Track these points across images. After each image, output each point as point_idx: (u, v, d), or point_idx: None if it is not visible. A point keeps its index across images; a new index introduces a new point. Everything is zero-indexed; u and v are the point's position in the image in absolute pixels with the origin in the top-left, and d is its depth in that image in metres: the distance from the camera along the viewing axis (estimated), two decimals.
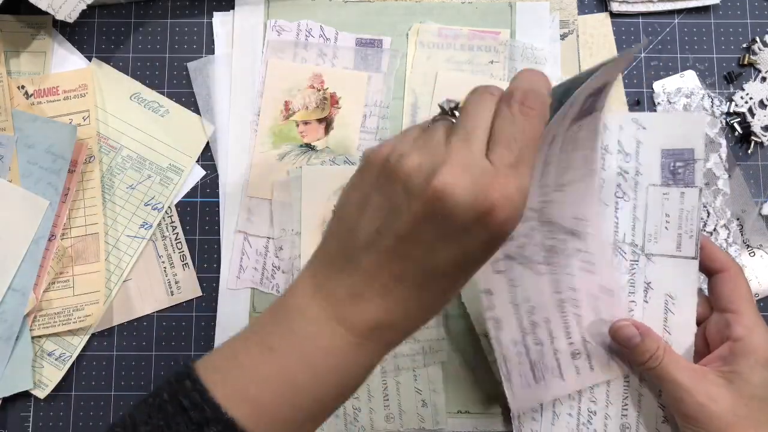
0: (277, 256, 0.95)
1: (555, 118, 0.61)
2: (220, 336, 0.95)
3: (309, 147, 0.96)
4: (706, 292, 0.85)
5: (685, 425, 0.79)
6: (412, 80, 0.97)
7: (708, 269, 0.84)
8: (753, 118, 0.98)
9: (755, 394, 0.76)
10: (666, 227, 0.85)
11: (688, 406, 0.78)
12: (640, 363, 0.82)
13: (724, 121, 0.98)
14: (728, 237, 0.96)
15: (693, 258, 0.84)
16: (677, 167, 0.85)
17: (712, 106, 0.98)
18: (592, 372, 0.88)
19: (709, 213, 0.96)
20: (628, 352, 0.83)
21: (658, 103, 0.98)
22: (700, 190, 0.85)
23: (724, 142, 0.98)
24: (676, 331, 0.85)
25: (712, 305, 0.83)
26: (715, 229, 0.96)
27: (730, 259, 0.83)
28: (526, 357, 0.88)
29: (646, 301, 0.86)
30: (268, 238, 0.96)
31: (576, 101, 0.65)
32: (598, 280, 0.85)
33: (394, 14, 0.98)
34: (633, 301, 0.87)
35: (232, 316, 0.95)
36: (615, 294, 0.86)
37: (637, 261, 0.86)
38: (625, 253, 0.86)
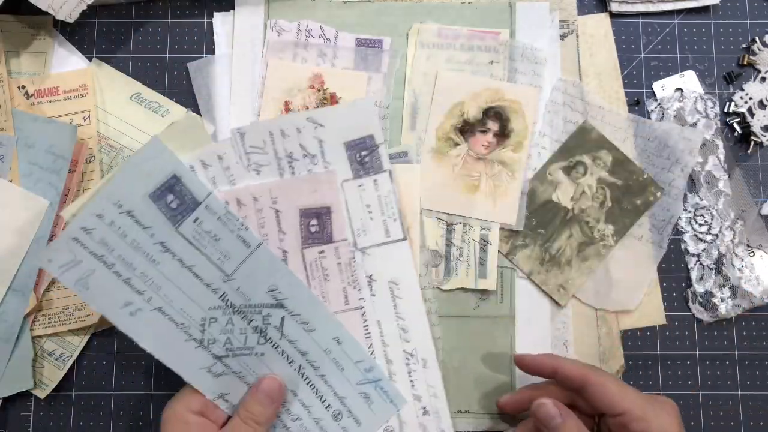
0: None
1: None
2: None
3: None
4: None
5: None
6: (412, 80, 0.97)
7: (572, 388, 0.83)
8: (752, 118, 0.98)
9: None
10: (370, 218, 0.87)
11: None
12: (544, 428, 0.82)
13: (719, 123, 0.98)
14: (733, 238, 0.96)
15: (403, 239, 0.87)
16: (363, 156, 0.86)
17: (705, 109, 0.98)
18: (360, 426, 0.89)
19: (713, 216, 0.96)
20: (546, 430, 0.81)
21: (652, 110, 0.99)
22: (390, 173, 0.86)
23: (721, 143, 0.98)
24: (408, 315, 0.88)
25: (600, 410, 0.82)
26: (720, 231, 0.96)
27: (585, 369, 0.82)
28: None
29: (373, 294, 0.88)
30: None
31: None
32: (319, 335, 0.87)
33: (394, 14, 0.98)
34: (361, 299, 0.88)
35: None
36: (344, 339, 0.87)
37: (354, 258, 0.87)
38: (343, 254, 0.87)
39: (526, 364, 0.86)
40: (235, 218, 0.84)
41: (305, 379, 0.86)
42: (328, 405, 0.87)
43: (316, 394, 0.87)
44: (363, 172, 0.87)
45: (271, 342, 0.85)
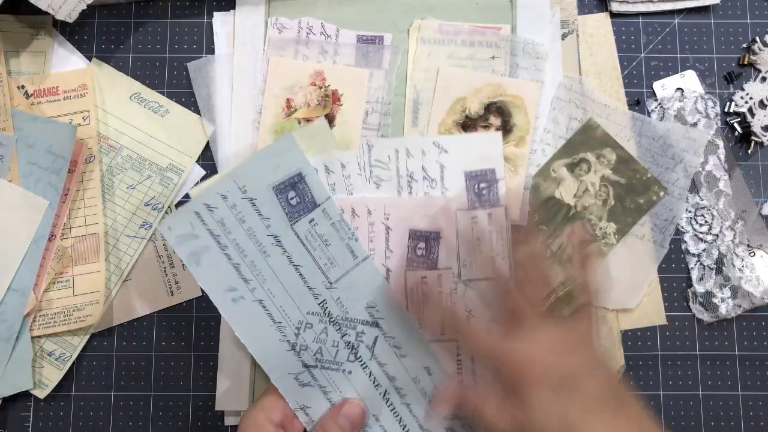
0: None
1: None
2: (224, 335, 0.95)
3: None
4: None
5: None
6: (414, 77, 0.97)
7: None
8: (753, 118, 0.98)
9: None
10: (480, 250, 0.86)
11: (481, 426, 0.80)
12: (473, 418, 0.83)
13: (720, 123, 0.98)
14: (734, 238, 0.96)
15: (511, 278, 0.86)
16: (482, 189, 0.86)
17: (706, 108, 0.98)
18: None
19: (713, 216, 0.96)
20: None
21: (652, 110, 0.99)
22: (506, 209, 0.86)
23: (721, 143, 0.98)
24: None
25: None
26: (721, 231, 0.96)
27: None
28: None
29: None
30: None
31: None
32: (410, 362, 0.86)
33: (395, 11, 0.98)
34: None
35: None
36: (434, 370, 0.87)
37: (456, 289, 0.87)
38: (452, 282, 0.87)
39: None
40: (348, 227, 0.84)
41: (389, 405, 0.86)
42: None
43: (399, 422, 0.87)
44: (478, 204, 0.87)
45: (361, 361, 0.85)
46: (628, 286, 0.96)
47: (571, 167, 0.96)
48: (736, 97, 0.99)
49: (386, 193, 0.85)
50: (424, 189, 0.85)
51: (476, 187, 0.86)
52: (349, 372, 0.85)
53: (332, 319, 0.84)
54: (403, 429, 0.86)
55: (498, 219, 0.86)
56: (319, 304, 0.84)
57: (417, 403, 0.86)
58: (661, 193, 0.96)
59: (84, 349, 0.95)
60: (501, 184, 0.86)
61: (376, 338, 0.85)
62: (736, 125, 0.99)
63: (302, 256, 0.83)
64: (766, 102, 0.99)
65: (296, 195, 0.83)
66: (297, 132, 0.83)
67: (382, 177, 0.85)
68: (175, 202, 0.97)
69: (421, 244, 0.86)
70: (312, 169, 0.84)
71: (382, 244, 0.85)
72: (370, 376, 0.85)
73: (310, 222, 0.83)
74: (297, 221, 0.83)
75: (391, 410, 0.86)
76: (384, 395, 0.86)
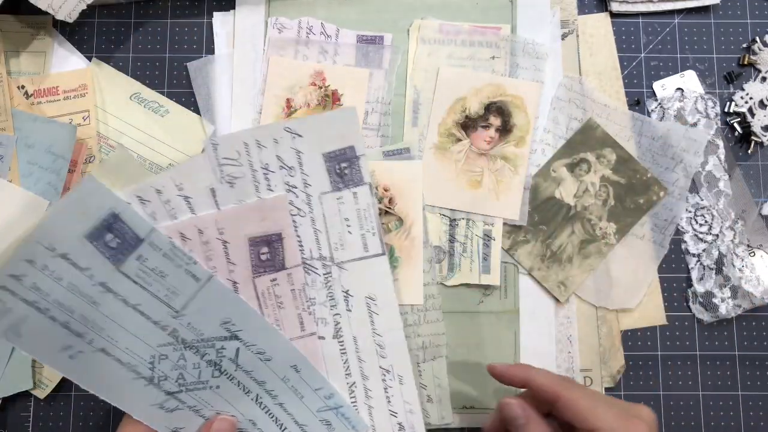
0: None
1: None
2: None
3: None
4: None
5: None
6: (414, 76, 0.97)
7: (545, 401, 0.80)
8: (753, 118, 0.98)
9: None
10: (349, 231, 0.85)
11: None
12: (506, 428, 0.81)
13: (720, 123, 0.98)
14: (734, 238, 0.96)
15: (381, 254, 0.84)
16: (343, 168, 0.84)
17: (706, 108, 0.98)
18: None
19: (713, 216, 0.96)
20: (511, 429, 0.80)
21: (652, 110, 0.99)
22: (370, 186, 0.84)
23: (721, 143, 0.98)
24: (385, 331, 0.86)
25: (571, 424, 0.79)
26: (721, 231, 0.96)
27: (556, 383, 0.79)
28: None
29: (349, 310, 0.86)
30: None
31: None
32: (276, 364, 0.85)
33: (395, 11, 0.99)
34: (337, 314, 0.86)
35: None
36: (302, 367, 0.85)
37: (330, 273, 0.85)
38: (317, 268, 0.85)
39: (498, 374, 0.84)
40: (182, 252, 0.80)
41: (263, 409, 0.85)
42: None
43: (276, 422, 0.85)
44: (342, 185, 0.85)
45: (227, 374, 0.83)
46: (628, 286, 0.96)
47: (571, 167, 0.96)
48: (736, 97, 0.99)
49: (241, 191, 0.82)
50: (283, 179, 0.83)
51: (337, 167, 0.84)
52: (217, 387, 0.83)
53: (187, 344, 0.81)
54: (281, 428, 0.86)
55: (364, 197, 0.84)
56: (168, 335, 0.80)
57: (290, 401, 0.85)
58: (662, 193, 0.96)
59: None
60: (362, 161, 0.83)
61: (237, 350, 0.82)
62: (736, 125, 0.99)
63: (138, 294, 0.79)
64: (766, 102, 0.99)
65: (114, 236, 0.77)
66: (96, 169, 0.78)
67: (235, 174, 0.82)
68: None
69: (265, 249, 0.84)
70: (125, 204, 0.77)
71: (223, 259, 0.82)
72: (239, 385, 0.84)
73: (138, 259, 0.78)
74: (123, 262, 0.78)
75: (266, 412, 0.85)
76: (256, 400, 0.84)
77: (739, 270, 0.96)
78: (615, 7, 1.00)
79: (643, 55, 1.00)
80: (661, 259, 0.97)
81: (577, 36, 0.99)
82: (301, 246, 0.84)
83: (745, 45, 1.01)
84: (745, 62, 1.00)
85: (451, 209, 0.95)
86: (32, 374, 0.93)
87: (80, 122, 0.96)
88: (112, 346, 0.78)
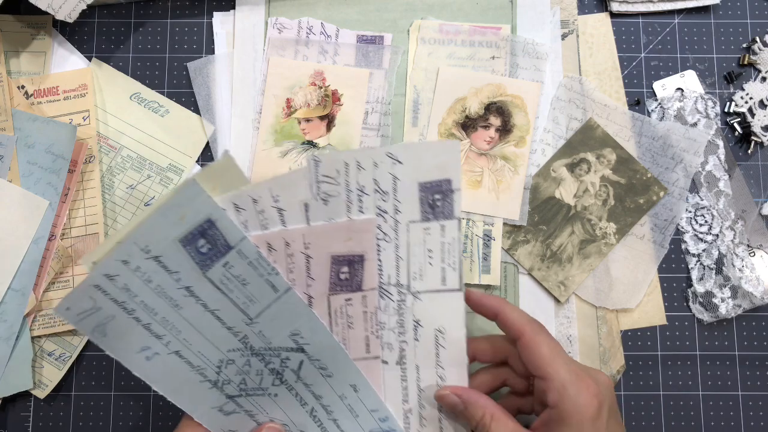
0: None
1: None
2: None
3: (311, 144, 0.96)
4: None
5: None
6: (414, 76, 0.97)
7: (509, 336, 0.81)
8: (753, 118, 0.98)
9: None
10: (430, 263, 0.83)
11: None
12: (471, 426, 0.81)
13: (720, 123, 0.98)
14: (734, 238, 0.96)
15: (458, 290, 0.83)
16: (435, 200, 0.82)
17: (706, 108, 0.98)
18: None
19: (713, 216, 0.96)
20: (456, 416, 0.83)
21: (652, 110, 0.99)
22: (459, 221, 0.82)
23: (721, 143, 0.98)
24: (449, 365, 0.85)
25: (527, 367, 0.80)
26: (720, 231, 0.96)
27: (524, 320, 0.80)
28: None
29: (417, 339, 0.85)
30: None
31: None
32: (336, 381, 0.85)
33: (395, 11, 0.99)
34: (404, 341, 0.85)
35: None
36: (361, 387, 0.86)
37: (404, 300, 0.84)
38: (392, 294, 0.84)
39: (473, 302, 0.84)
40: (266, 263, 0.80)
41: (316, 422, 0.85)
42: None
43: None
44: (432, 216, 0.82)
45: (287, 384, 0.84)
46: (628, 286, 0.96)
47: (571, 167, 0.96)
48: (736, 97, 0.99)
49: (333, 209, 0.81)
50: (375, 202, 0.81)
51: (430, 198, 0.82)
52: (275, 395, 0.83)
53: (254, 351, 0.82)
54: None
55: (451, 231, 0.82)
56: (239, 341, 0.81)
57: (344, 418, 0.86)
58: (662, 193, 0.96)
59: (84, 349, 0.95)
60: (456, 195, 0.82)
61: (301, 362, 0.82)
62: (736, 125, 0.99)
63: (218, 300, 0.79)
64: (766, 102, 0.99)
65: (207, 242, 0.77)
66: (200, 174, 0.78)
67: (331, 192, 0.81)
68: None
69: (345, 269, 0.83)
70: (221, 212, 0.78)
71: (303, 273, 0.81)
72: (296, 396, 0.84)
73: (225, 266, 0.78)
74: (210, 268, 0.78)
75: (318, 425, 0.85)
76: (311, 413, 0.85)
77: (739, 270, 0.96)
78: (615, 7, 1.00)
79: (643, 55, 1.00)
80: (661, 259, 0.97)
81: (577, 36, 0.99)
82: (381, 270, 0.83)
83: (745, 45, 1.01)
84: (745, 62, 1.00)
85: None
86: (32, 374, 0.93)
87: (80, 122, 0.96)
88: (186, 349, 0.79)
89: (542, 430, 0.76)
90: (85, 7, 0.93)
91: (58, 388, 0.94)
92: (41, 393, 0.94)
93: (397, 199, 0.81)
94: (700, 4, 1.00)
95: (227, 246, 0.77)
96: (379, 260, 0.83)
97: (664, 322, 0.97)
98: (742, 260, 0.96)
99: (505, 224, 0.95)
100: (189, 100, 0.99)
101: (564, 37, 0.99)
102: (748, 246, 0.97)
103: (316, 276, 0.82)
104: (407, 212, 0.81)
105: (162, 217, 0.74)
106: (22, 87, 0.97)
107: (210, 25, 1.00)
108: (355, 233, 0.82)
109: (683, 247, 0.98)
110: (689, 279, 0.98)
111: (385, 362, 0.86)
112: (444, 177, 0.80)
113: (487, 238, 0.95)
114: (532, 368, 0.78)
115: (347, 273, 0.83)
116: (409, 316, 0.84)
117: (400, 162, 0.80)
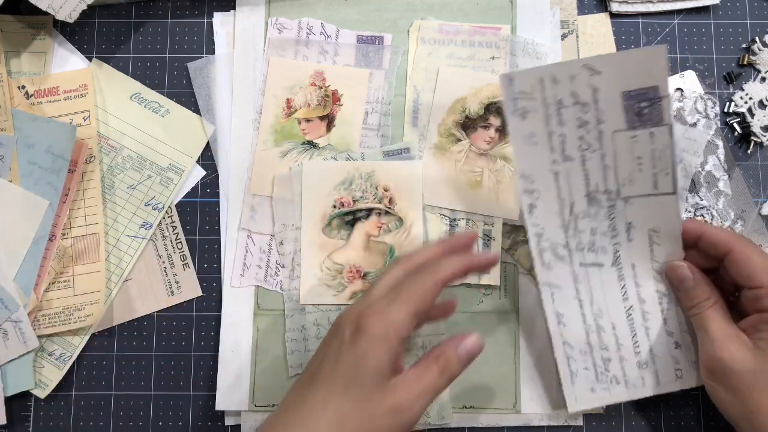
0: (278, 252, 0.95)
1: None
2: (225, 334, 0.95)
3: (311, 144, 0.96)
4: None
5: (706, 378, 0.81)
6: (414, 77, 0.97)
7: (715, 255, 0.82)
8: (752, 118, 0.98)
9: None
10: (639, 169, 0.82)
11: (710, 358, 0.79)
12: (687, 306, 0.83)
13: (719, 123, 0.98)
14: None
15: (672, 193, 0.82)
16: (642, 108, 0.79)
17: (705, 109, 0.98)
18: (658, 385, 0.88)
19: (713, 216, 0.96)
20: (677, 292, 0.84)
21: None
22: (670, 127, 0.79)
23: (721, 143, 0.98)
24: (663, 259, 0.86)
25: (738, 281, 0.81)
26: None
27: (731, 236, 0.81)
28: (590, 359, 0.88)
29: (630, 240, 0.85)
30: (272, 235, 0.96)
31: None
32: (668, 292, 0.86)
33: (395, 11, 0.99)
34: (617, 243, 0.86)
35: (236, 314, 0.95)
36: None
37: (614, 205, 0.84)
38: (601, 201, 0.84)
39: None
40: (669, 156, 0.80)
41: (629, 320, 0.88)
42: (639, 352, 0.88)
43: (633, 338, 0.88)
44: (639, 124, 0.80)
45: (619, 269, 0.87)
46: None
47: None
48: (736, 98, 0.99)
49: (531, 123, 0.81)
50: (574, 114, 0.80)
51: (636, 106, 0.79)
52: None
53: (609, 215, 0.84)
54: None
55: (662, 137, 0.80)
56: (606, 198, 0.83)
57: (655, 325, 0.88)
58: None
59: (84, 349, 0.95)
60: (665, 102, 0.78)
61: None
62: (735, 125, 0.98)
63: (612, 160, 0.81)
64: (765, 102, 0.99)
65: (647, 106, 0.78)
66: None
67: (528, 108, 0.80)
68: (176, 202, 0.97)
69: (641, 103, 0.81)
70: (668, 88, 0.77)
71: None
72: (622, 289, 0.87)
73: (633, 138, 0.79)
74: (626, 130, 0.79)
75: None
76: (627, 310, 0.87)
77: None
78: (615, 7, 1.00)
79: None
80: None
81: (577, 36, 0.99)
82: (588, 179, 0.83)
83: (744, 45, 1.01)
84: (745, 62, 1.00)
85: (451, 209, 0.95)
86: (33, 374, 0.93)
87: (80, 122, 0.96)
88: (564, 179, 0.83)
89: (750, 329, 0.79)
90: (85, 8, 0.93)
91: (58, 388, 0.94)
92: (41, 393, 0.93)
93: (599, 108, 0.80)
94: (700, 4, 1.00)
95: (660, 122, 0.78)
96: (585, 169, 0.82)
97: None
98: None
99: (505, 224, 0.95)
100: (189, 100, 0.99)
101: (564, 37, 0.99)
102: None
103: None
104: (611, 121, 0.80)
105: (622, 61, 0.77)
106: (23, 87, 0.97)
107: (210, 25, 1.00)
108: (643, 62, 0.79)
109: None
110: None
111: (600, 264, 0.86)
112: (650, 84, 0.78)
113: (487, 238, 0.95)
114: (744, 279, 0.79)
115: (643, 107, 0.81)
116: (621, 219, 0.84)
117: (599, 73, 0.78)
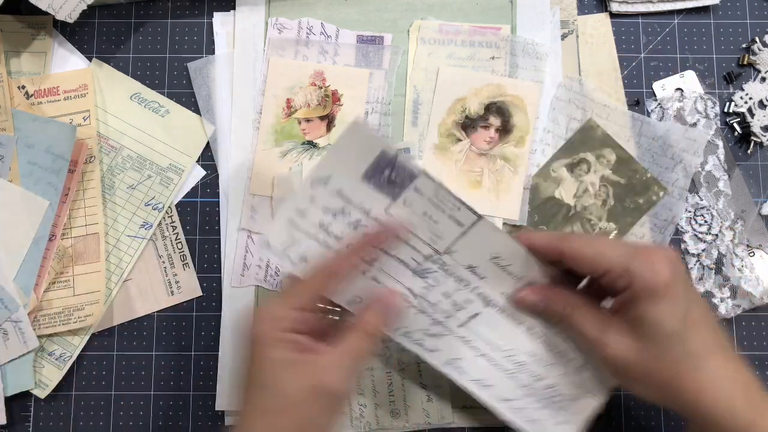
0: None
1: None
2: (225, 335, 0.95)
3: (311, 144, 0.96)
4: None
5: (615, 378, 0.81)
6: (414, 77, 0.97)
7: (553, 261, 0.80)
8: (752, 118, 0.98)
9: (663, 332, 0.73)
10: (435, 222, 0.79)
11: (599, 358, 0.78)
12: (554, 324, 0.82)
13: (719, 123, 0.98)
14: (733, 238, 0.96)
15: (478, 218, 0.79)
16: (389, 176, 0.77)
17: (705, 109, 0.98)
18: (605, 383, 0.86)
19: (713, 216, 0.96)
20: (540, 318, 0.83)
21: (652, 110, 0.99)
22: (425, 172, 0.76)
23: (721, 143, 0.98)
24: (523, 275, 0.83)
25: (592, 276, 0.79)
26: (720, 231, 0.96)
27: (554, 238, 0.79)
28: (537, 395, 0.86)
29: (483, 277, 0.83)
30: None
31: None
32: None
33: (395, 11, 0.99)
34: (475, 287, 0.83)
35: (236, 314, 0.95)
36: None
37: (444, 262, 0.82)
38: (429, 267, 0.82)
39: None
40: (451, 195, 0.77)
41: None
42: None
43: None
44: (399, 189, 0.77)
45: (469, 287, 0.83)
46: None
47: (571, 167, 0.96)
48: (736, 98, 0.99)
49: (314, 256, 0.79)
50: (343, 221, 0.78)
51: (383, 178, 0.76)
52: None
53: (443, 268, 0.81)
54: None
55: (426, 186, 0.77)
56: (434, 262, 0.81)
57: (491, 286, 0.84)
58: (661, 194, 0.96)
59: (84, 349, 0.95)
60: (401, 156, 0.76)
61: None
62: (735, 125, 0.99)
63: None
64: (765, 102, 0.99)
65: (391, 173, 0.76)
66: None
67: (304, 250, 0.79)
68: (176, 202, 0.97)
69: None
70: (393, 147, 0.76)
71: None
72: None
73: (405, 203, 0.77)
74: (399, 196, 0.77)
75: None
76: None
77: (739, 270, 0.96)
78: (615, 7, 1.00)
79: (642, 55, 1.00)
80: None
81: (577, 36, 0.99)
82: (404, 262, 0.80)
83: (744, 45, 1.01)
84: (745, 62, 1.00)
85: None
86: (33, 374, 0.93)
87: (80, 122, 0.96)
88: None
89: (622, 309, 0.76)
90: (85, 8, 0.93)
91: (58, 388, 0.94)
92: (41, 393, 0.94)
93: (356, 202, 0.78)
94: (700, 4, 1.00)
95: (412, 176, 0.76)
96: (394, 256, 0.80)
97: None
98: (742, 260, 0.96)
99: (505, 224, 0.95)
100: (189, 100, 0.99)
101: (564, 37, 0.99)
102: (748, 246, 0.97)
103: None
104: (375, 204, 0.78)
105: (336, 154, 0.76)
106: (23, 87, 0.97)
107: (210, 25, 1.00)
108: None
109: (683, 247, 0.98)
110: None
111: (476, 314, 0.84)
112: (376, 153, 0.75)
113: None
114: (591, 272, 0.77)
115: None
116: (459, 268, 0.82)
117: (328, 177, 0.77)
